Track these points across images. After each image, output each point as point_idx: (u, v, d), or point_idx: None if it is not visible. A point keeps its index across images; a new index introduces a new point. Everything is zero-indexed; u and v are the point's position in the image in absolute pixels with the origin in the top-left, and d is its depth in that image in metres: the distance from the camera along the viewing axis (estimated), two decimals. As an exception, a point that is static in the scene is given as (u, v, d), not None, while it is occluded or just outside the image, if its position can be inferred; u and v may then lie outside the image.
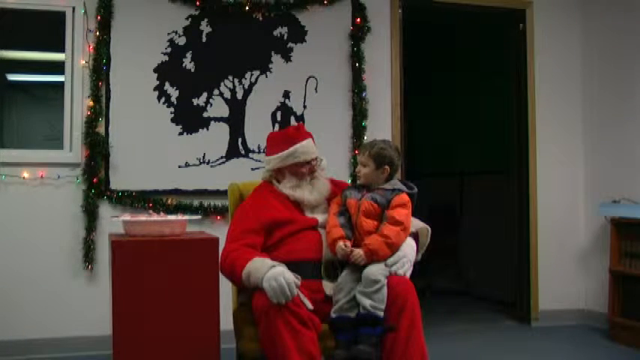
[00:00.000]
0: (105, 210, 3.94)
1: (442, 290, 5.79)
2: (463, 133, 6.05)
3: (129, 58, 4.02)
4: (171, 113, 4.09)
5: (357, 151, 4.14)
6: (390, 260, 2.42)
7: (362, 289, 2.37)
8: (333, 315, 2.40)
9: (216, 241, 2.34)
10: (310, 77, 4.30)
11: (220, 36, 4.18)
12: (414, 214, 2.57)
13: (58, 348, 3.85)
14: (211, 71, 4.16)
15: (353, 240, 2.49)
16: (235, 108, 4.20)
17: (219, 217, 4.07)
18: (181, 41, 4.12)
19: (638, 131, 4.40)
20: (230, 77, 4.19)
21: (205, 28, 4.16)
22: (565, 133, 4.85)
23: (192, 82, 4.12)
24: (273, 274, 2.25)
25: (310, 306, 2.30)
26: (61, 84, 4.02)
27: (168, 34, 4.10)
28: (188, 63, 4.13)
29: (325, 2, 4.31)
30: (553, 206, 4.77)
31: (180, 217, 2.60)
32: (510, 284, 4.99)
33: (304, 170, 2.65)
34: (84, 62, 3.98)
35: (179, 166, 4.08)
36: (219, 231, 2.73)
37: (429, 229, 2.63)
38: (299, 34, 4.30)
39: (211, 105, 4.16)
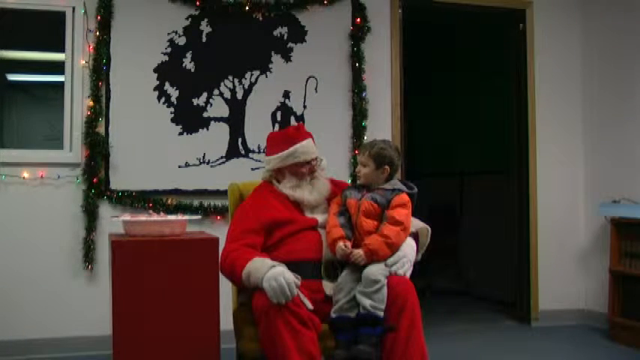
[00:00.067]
0: (105, 210, 3.94)
1: (442, 290, 5.79)
2: (463, 133, 6.05)
3: (129, 58, 4.02)
4: (171, 113, 4.09)
5: (357, 151, 4.14)
6: (390, 260, 2.42)
7: (362, 289, 2.37)
8: (333, 315, 2.40)
9: (216, 241, 2.34)
10: (310, 77, 4.30)
11: (220, 36, 4.18)
12: (414, 214, 2.57)
13: (58, 348, 3.85)
14: (211, 71, 4.16)
15: (353, 240, 2.49)
16: (235, 108, 4.20)
17: (219, 217, 4.07)
18: (181, 41, 4.12)
19: (638, 131, 4.40)
20: (230, 77, 4.19)
21: (205, 28, 4.16)
22: (565, 133, 4.85)
23: (192, 82, 4.12)
24: (273, 274, 2.25)
25: (310, 306, 2.30)
26: (61, 84, 4.02)
27: (168, 34, 4.10)
28: (188, 63, 4.13)
29: (325, 2, 4.31)
30: (553, 206, 4.77)
31: (180, 217, 2.60)
32: (510, 284, 4.99)
33: (304, 170, 2.65)
34: (84, 62, 3.98)
35: (179, 166, 4.08)
36: (219, 231, 2.73)
37: (429, 229, 2.63)
38: (299, 34, 4.30)
39: (211, 105, 4.16)
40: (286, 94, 4.26)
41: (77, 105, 3.98)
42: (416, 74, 5.00)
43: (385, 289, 2.35)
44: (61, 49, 4.01)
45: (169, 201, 4.02)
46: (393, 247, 2.43)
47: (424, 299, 3.17)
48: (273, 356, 2.26)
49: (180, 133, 4.10)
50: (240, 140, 4.19)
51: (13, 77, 4.74)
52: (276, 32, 4.26)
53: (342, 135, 4.32)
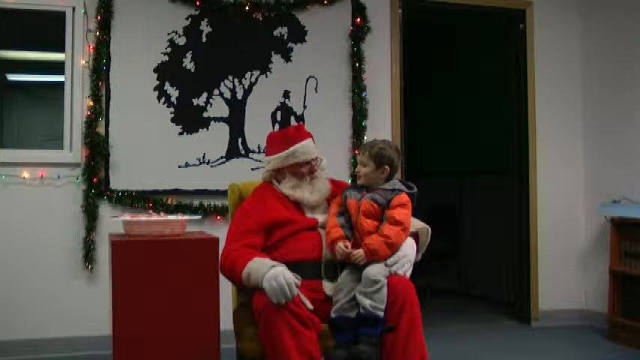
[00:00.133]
0: (105, 210, 3.94)
1: (442, 290, 5.79)
2: (463, 133, 6.05)
3: (129, 58, 4.02)
4: (171, 113, 4.09)
5: (357, 151, 4.14)
6: (390, 260, 2.42)
7: (362, 289, 2.37)
8: (333, 315, 2.40)
9: (216, 241, 2.34)
10: (310, 77, 4.30)
11: (220, 36, 4.18)
12: (414, 214, 2.57)
13: (57, 348, 3.85)
14: (211, 71, 4.16)
15: (352, 240, 2.49)
16: (235, 108, 4.20)
17: (219, 217, 4.07)
18: (181, 41, 4.12)
19: (637, 131, 4.40)
20: (230, 77, 4.19)
21: (205, 28, 4.16)
22: (565, 133, 4.85)
23: (192, 82, 4.12)
24: (273, 274, 2.25)
25: (310, 306, 2.30)
26: (61, 84, 4.02)
27: (168, 34, 4.10)
28: (188, 63, 4.13)
29: (325, 2, 4.31)
30: (553, 206, 4.77)
31: (180, 217, 2.60)
32: (510, 284, 4.99)
33: (304, 170, 2.65)
34: (84, 62, 3.99)
35: (179, 166, 4.08)
36: (219, 231, 2.73)
37: (429, 229, 2.63)
38: (299, 34, 4.30)
39: (211, 105, 4.16)
40: (286, 94, 4.26)
41: (77, 105, 3.99)
42: (416, 74, 5.00)
43: (385, 289, 2.35)
44: (61, 49, 4.01)
45: (169, 201, 4.02)
46: (393, 247, 2.43)
47: (424, 299, 3.16)
48: (273, 356, 2.26)
49: (180, 133, 4.10)
50: (240, 140, 4.19)
51: (13, 77, 4.73)
52: (276, 32, 4.27)
53: (342, 135, 4.32)
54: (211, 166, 4.13)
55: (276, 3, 4.24)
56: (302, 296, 2.29)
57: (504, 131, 5.07)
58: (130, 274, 2.23)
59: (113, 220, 2.89)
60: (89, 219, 3.91)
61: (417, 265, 2.54)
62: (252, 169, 4.14)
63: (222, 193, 3.40)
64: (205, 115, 4.14)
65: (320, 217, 2.63)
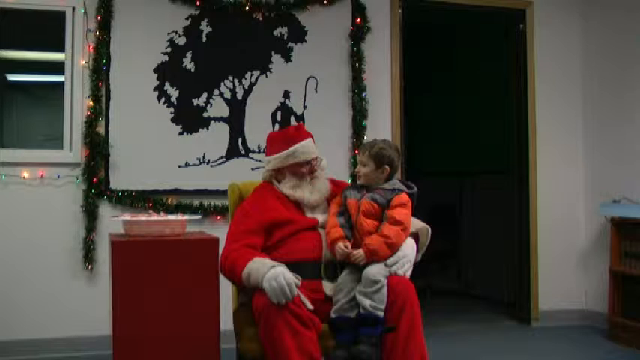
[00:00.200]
0: (105, 210, 3.94)
1: (442, 290, 5.79)
2: (463, 133, 6.05)
3: (129, 58, 4.02)
4: (171, 113, 4.09)
5: (357, 151, 4.14)
6: (390, 260, 2.42)
7: (362, 289, 2.37)
8: (333, 315, 2.40)
9: (216, 241, 2.34)
10: (310, 77, 4.30)
11: (220, 36, 4.18)
12: (414, 214, 2.57)
13: (58, 348, 3.85)
14: (211, 71, 4.16)
15: (352, 240, 2.49)
16: (235, 108, 4.20)
17: (219, 217, 4.07)
18: (181, 41, 4.12)
19: (637, 131, 4.40)
20: (230, 77, 4.19)
21: (205, 28, 4.16)
22: (565, 133, 4.85)
23: (192, 82, 4.12)
24: (273, 274, 2.25)
25: (310, 306, 2.30)
26: (61, 84, 4.02)
27: (168, 34, 4.10)
28: (188, 63, 4.13)
29: (325, 2, 4.31)
30: (553, 206, 4.77)
31: (180, 217, 2.60)
32: (510, 284, 4.99)
33: (304, 170, 2.65)
34: (84, 62, 3.99)
35: (179, 166, 4.08)
36: (219, 231, 2.73)
37: (429, 229, 2.63)
38: (299, 34, 4.30)
39: (211, 105, 4.16)
40: (286, 94, 4.26)
41: (77, 105, 3.99)
42: (416, 74, 5.00)
43: (385, 289, 2.35)
44: (61, 49, 4.01)
45: (169, 201, 4.02)
46: (393, 247, 2.43)
47: (424, 299, 3.16)
48: (273, 356, 2.26)
49: (180, 133, 4.10)
50: (240, 140, 4.19)
51: (13, 77, 4.73)
52: (276, 32, 4.27)
53: (342, 135, 4.32)
54: (211, 166, 4.13)
55: (276, 3, 4.24)
56: (302, 296, 2.29)
57: (504, 131, 5.07)
58: (130, 274, 2.23)
59: (113, 220, 2.89)
60: (89, 219, 3.91)
61: (417, 265, 2.54)
62: (252, 169, 4.14)
63: (222, 193, 3.40)
64: (205, 115, 4.14)
65: (320, 217, 2.63)
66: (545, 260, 4.74)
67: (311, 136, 2.71)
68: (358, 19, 4.36)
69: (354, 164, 4.12)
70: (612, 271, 4.29)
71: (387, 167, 2.56)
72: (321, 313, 2.37)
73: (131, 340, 2.21)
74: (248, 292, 2.44)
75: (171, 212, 3.91)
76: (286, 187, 2.65)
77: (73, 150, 3.98)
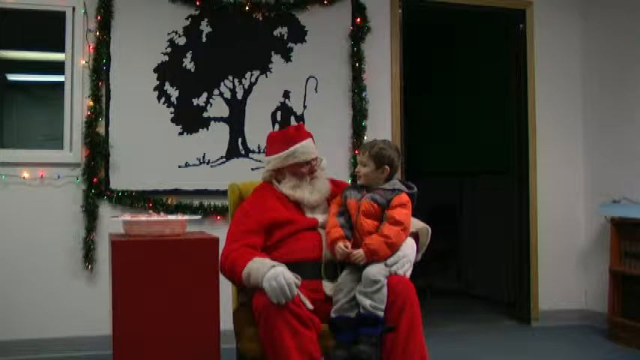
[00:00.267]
0: (105, 210, 3.94)
1: (442, 290, 5.79)
2: (463, 133, 6.05)
3: (129, 58, 4.02)
4: (171, 113, 4.09)
5: (357, 151, 4.14)
6: (390, 260, 2.42)
7: (362, 289, 2.37)
8: (333, 315, 2.40)
9: (216, 241, 2.34)
10: (310, 77, 4.30)
11: (220, 36, 4.18)
12: (414, 214, 2.57)
13: (58, 348, 3.85)
14: (211, 71, 4.16)
15: (352, 240, 2.49)
16: (235, 108, 4.20)
17: (219, 217, 4.07)
18: (181, 41, 4.12)
19: (637, 131, 4.40)
20: (230, 77, 4.19)
21: (205, 28, 4.16)
22: (565, 133, 4.85)
23: (192, 82, 4.12)
24: (273, 274, 2.25)
25: (310, 306, 2.30)
26: (61, 84, 4.02)
27: (168, 34, 4.10)
28: (188, 63, 4.13)
29: (325, 2, 4.31)
30: (553, 206, 4.77)
31: (180, 217, 2.60)
32: (510, 284, 4.99)
33: (304, 170, 2.65)
34: (84, 62, 3.99)
35: (179, 166, 4.08)
36: (219, 231, 2.73)
37: (429, 229, 2.63)
38: (299, 34, 4.30)
39: (211, 105, 4.16)
40: (286, 94, 4.26)
41: (77, 105, 3.99)
42: (416, 74, 5.00)
43: (385, 289, 2.35)
44: (61, 49, 4.01)
45: (169, 201, 4.02)
46: (393, 247, 2.43)
47: (424, 299, 3.16)
48: (273, 356, 2.26)
49: (180, 133, 4.10)
50: (240, 140, 4.19)
51: (13, 77, 4.73)
52: (276, 32, 4.26)
53: (342, 135, 4.32)
54: (211, 166, 4.13)
55: (276, 3, 4.24)
56: (302, 296, 2.29)
57: (504, 131, 5.07)
58: (130, 274, 2.23)
59: (113, 220, 2.89)
60: (89, 219, 3.91)
61: (417, 265, 2.54)
62: (252, 169, 4.14)
63: (222, 193, 3.40)
64: (205, 115, 4.14)
65: (320, 217, 2.63)
66: (545, 260, 4.74)
67: (311, 136, 2.71)
68: (358, 19, 4.36)
69: (354, 164, 4.12)
70: (612, 271, 4.29)
71: (387, 167, 2.56)
72: (321, 313, 2.37)
73: (131, 340, 2.21)
74: (248, 292, 2.44)
75: (171, 212, 3.91)
76: (286, 187, 2.65)
77: (73, 150, 3.98)
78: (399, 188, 2.55)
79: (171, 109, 4.09)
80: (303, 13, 4.30)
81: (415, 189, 2.60)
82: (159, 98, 4.08)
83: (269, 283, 2.23)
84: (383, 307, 2.34)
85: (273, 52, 4.25)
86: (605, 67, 4.68)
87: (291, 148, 2.63)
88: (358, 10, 4.37)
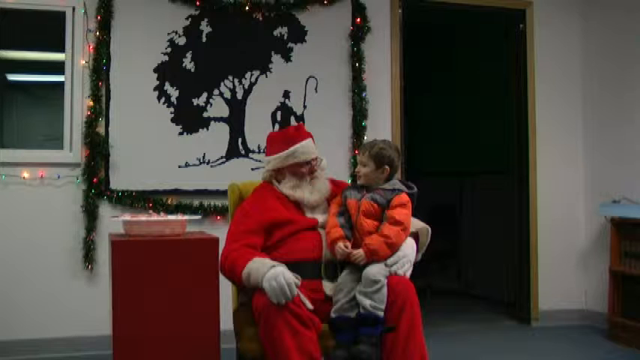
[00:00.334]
0: (105, 210, 3.94)
1: (442, 290, 5.79)
2: (463, 133, 6.05)
3: (129, 58, 4.02)
4: (171, 113, 4.09)
5: (357, 151, 4.14)
6: (390, 260, 2.42)
7: (362, 289, 2.37)
8: (333, 315, 2.40)
9: (216, 241, 2.34)
10: (310, 77, 4.30)
11: (220, 36, 4.18)
12: (414, 214, 2.57)
13: (58, 348, 3.85)
14: (211, 71, 4.16)
15: (352, 240, 2.49)
16: (235, 108, 4.20)
17: (219, 217, 4.07)
18: (181, 41, 4.12)
19: (637, 131, 4.40)
20: (230, 77, 4.19)
21: (205, 28, 4.16)
22: (565, 133, 4.85)
23: (192, 82, 4.12)
24: (273, 274, 2.25)
25: (310, 306, 2.30)
26: (61, 84, 4.02)
27: (168, 34, 4.10)
28: (188, 63, 4.13)
29: (325, 2, 4.31)
30: (553, 206, 4.77)
31: (180, 217, 2.60)
32: (510, 284, 4.99)
33: (304, 170, 2.65)
34: (84, 62, 3.99)
35: (179, 166, 4.08)
36: (219, 231, 2.73)
37: (429, 229, 2.63)
38: (299, 34, 4.30)
39: (211, 105, 4.16)
40: (286, 94, 4.26)
41: (77, 105, 3.99)
42: (416, 74, 5.00)
43: (385, 289, 2.35)
44: (61, 49, 4.01)
45: (169, 201, 4.02)
46: (393, 247, 2.43)
47: (424, 299, 3.16)
48: (273, 356, 2.26)
49: (180, 133, 4.10)
50: (240, 140, 4.19)
51: (13, 77, 4.73)
52: (276, 32, 4.26)
53: (342, 135, 4.32)
54: (211, 166, 4.13)
55: (276, 3, 4.24)
56: (302, 296, 2.29)
57: (504, 131, 5.07)
58: (130, 274, 2.23)
59: (113, 220, 2.89)
60: (89, 219, 3.91)
61: (417, 265, 2.54)
62: (252, 169, 4.14)
63: (222, 193, 3.40)
64: (205, 115, 4.14)
65: (320, 217, 2.63)
66: (545, 260, 4.74)
67: (311, 136, 2.71)
68: (358, 19, 4.36)
69: (354, 164, 4.12)
70: (612, 271, 4.29)
71: (387, 167, 2.56)
72: (321, 313, 2.37)
73: (131, 340, 2.21)
74: (248, 292, 2.44)
75: (171, 212, 3.91)
76: (286, 187, 2.65)
77: (73, 150, 3.98)
78: (399, 188, 2.55)
79: (171, 109, 4.09)
80: (303, 13, 4.30)
81: (415, 189, 2.60)
82: (159, 98, 4.08)
83: (269, 283, 2.23)
84: (383, 307, 2.34)
85: (273, 52, 4.25)
86: (605, 67, 4.68)
87: (291, 148, 2.63)
88: (358, 10, 4.37)
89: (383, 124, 4.42)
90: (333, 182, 2.76)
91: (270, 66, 4.25)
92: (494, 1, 4.76)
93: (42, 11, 4.01)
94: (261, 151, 4.13)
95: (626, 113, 4.49)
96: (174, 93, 4.09)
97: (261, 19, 4.23)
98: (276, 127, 4.21)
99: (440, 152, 6.32)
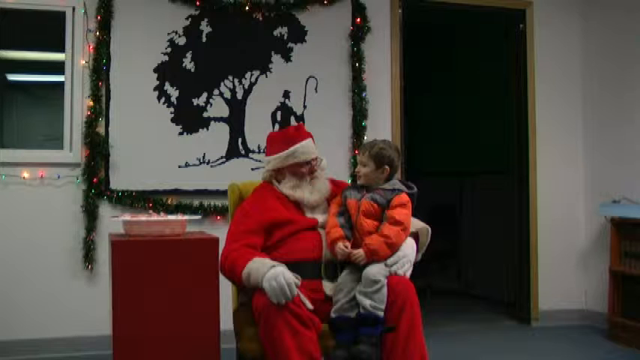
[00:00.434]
0: (105, 210, 3.94)
1: (442, 290, 5.79)
2: (463, 133, 6.05)
3: (129, 58, 4.02)
4: (171, 113, 4.09)
5: (357, 151, 4.14)
6: (390, 260, 2.42)
7: (362, 289, 2.37)
8: (333, 315, 2.40)
9: (216, 241, 2.34)
10: (310, 77, 4.30)
11: (220, 36, 4.18)
12: (414, 214, 2.57)
13: (58, 348, 3.85)
14: (211, 71, 4.16)
15: (352, 240, 2.49)
16: (235, 108, 4.20)
17: (219, 217, 4.07)
18: (181, 41, 4.12)
19: (637, 131, 4.40)
20: (230, 77, 4.19)
21: (205, 28, 4.16)
22: (565, 133, 4.85)
23: (192, 82, 4.12)
24: (273, 274, 2.25)
25: (310, 306, 2.30)
26: (61, 84, 4.02)
27: (168, 34, 4.10)
28: (188, 63, 4.13)
29: (325, 2, 4.31)
30: (553, 206, 4.77)
31: (180, 217, 2.60)
32: (510, 284, 4.99)
33: (304, 170, 2.65)
34: (84, 62, 3.99)
35: (179, 166, 4.08)
36: (219, 231, 2.73)
37: (429, 229, 2.63)
38: (299, 34, 4.30)
39: (211, 105, 4.16)
40: (286, 94, 4.26)
41: (77, 105, 3.99)
42: (416, 74, 5.00)
43: (385, 289, 2.35)
44: (61, 49, 4.01)
45: (169, 201, 4.02)
46: (393, 247, 2.43)
47: (424, 299, 3.17)
48: (273, 356, 2.26)
49: (180, 133, 4.10)
50: (240, 140, 4.19)
51: (13, 77, 4.73)
52: (276, 32, 4.26)
53: (342, 135, 4.32)
54: (211, 166, 4.13)
55: (276, 3, 4.24)
56: (302, 296, 2.29)
57: (504, 131, 5.07)
58: (130, 274, 2.23)
59: (113, 220, 2.89)
60: (89, 219, 3.91)
61: (417, 265, 2.54)
62: (252, 169, 4.14)
63: (222, 193, 3.40)
64: (205, 115, 4.14)
65: (320, 217, 2.63)
66: (545, 260, 4.74)
67: (311, 136, 2.71)
68: (358, 19, 4.36)
69: (354, 164, 4.12)
70: (612, 271, 4.29)
71: (387, 167, 2.56)
72: (321, 313, 2.37)
73: (131, 340, 2.21)
74: (248, 292, 2.44)
75: (171, 212, 3.91)
76: (286, 187, 2.65)
77: (73, 150, 3.98)
78: (399, 188, 2.55)
79: (171, 109, 4.09)
80: (303, 13, 4.30)
81: (415, 189, 2.60)
82: (159, 98, 4.08)
83: (269, 283, 2.23)
84: (383, 307, 2.34)
85: (273, 52, 4.25)
86: (605, 67, 4.68)
87: (291, 148, 2.63)
88: (358, 10, 4.37)
89: (383, 124, 4.42)
90: (333, 182, 2.76)
91: (270, 66, 4.25)
92: (494, 1, 4.76)
93: (42, 11, 4.01)
94: (261, 151, 4.13)
95: (626, 113, 4.49)
96: (174, 93, 4.09)
97: (261, 19, 4.24)
98: (276, 127, 4.21)
99: (440, 152, 6.32)
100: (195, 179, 4.08)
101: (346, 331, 2.36)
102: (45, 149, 4.08)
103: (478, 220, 5.88)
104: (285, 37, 4.28)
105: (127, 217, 2.55)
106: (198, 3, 4.12)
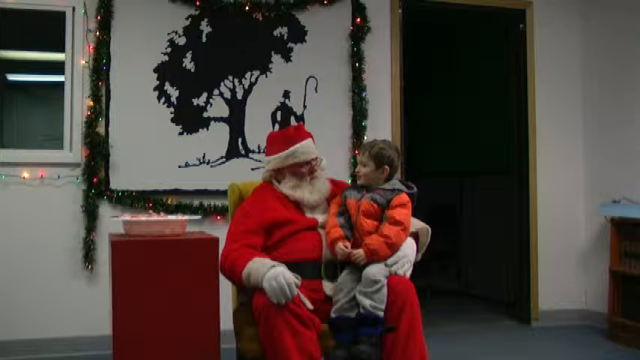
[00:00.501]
0: (105, 210, 3.94)
1: (442, 290, 5.79)
2: (463, 133, 6.05)
3: (129, 58, 4.02)
4: (171, 113, 4.09)
5: (357, 151, 4.14)
6: (390, 260, 2.42)
7: (362, 289, 2.37)
8: (333, 315, 2.40)
9: (216, 241, 2.34)
10: (310, 77, 4.30)
11: (220, 36, 4.18)
12: (414, 214, 2.57)
13: (58, 348, 3.85)
14: (211, 71, 4.16)
15: (352, 240, 2.49)
16: (235, 108, 4.20)
17: (219, 217, 4.07)
18: (181, 41, 4.12)
19: (637, 131, 4.40)
20: (230, 77, 4.19)
21: (205, 28, 4.16)
22: (565, 133, 4.85)
23: (192, 82, 4.12)
24: (273, 274, 2.25)
25: (310, 306, 2.30)
26: (61, 84, 4.02)
27: (168, 34, 4.10)
28: (188, 63, 4.13)
29: (325, 2, 4.31)
30: (553, 206, 4.77)
31: (180, 217, 2.60)
32: (510, 284, 4.99)
33: (304, 170, 2.65)
34: (84, 62, 3.99)
35: (179, 166, 4.08)
36: (219, 231, 2.73)
37: (429, 229, 2.63)
38: (299, 34, 4.30)
39: (211, 105, 4.16)
40: (286, 94, 4.26)
41: (77, 105, 3.99)
42: (416, 74, 5.00)
43: (385, 289, 2.35)
44: (61, 49, 4.01)
45: (169, 201, 4.02)
46: (393, 247, 2.43)
47: (424, 299, 3.17)
48: (273, 356, 2.26)
49: (180, 133, 4.10)
50: (240, 140, 4.19)
51: (13, 77, 4.74)
52: (276, 32, 4.26)
53: (342, 135, 4.32)
54: (211, 166, 4.13)
55: (276, 3, 4.24)
56: (302, 296, 2.29)
57: (504, 131, 5.07)
58: (130, 274, 2.23)
59: (113, 220, 2.89)
60: (89, 219, 3.91)
61: (417, 265, 2.54)
62: (252, 169, 4.14)
63: (222, 193, 3.40)
64: (205, 115, 4.14)
65: (320, 217, 2.63)
66: (545, 260, 4.74)
67: (311, 136, 2.71)
68: (358, 19, 4.36)
69: (354, 164, 4.12)
70: (612, 271, 4.29)
71: (387, 167, 2.56)
72: (321, 313, 2.37)
73: (131, 340, 2.21)
74: (248, 292, 2.44)
75: (171, 212, 3.91)
76: (286, 187, 2.65)
77: (73, 150, 3.98)
78: (398, 188, 2.55)
79: (171, 109, 4.09)
80: (303, 13, 4.30)
81: (415, 189, 2.60)
82: (159, 98, 4.08)
83: (269, 283, 2.23)
84: (383, 307, 2.34)
85: (273, 52, 4.25)
86: (605, 67, 4.68)
87: (291, 148, 2.63)
88: (358, 10, 4.37)
89: (383, 124, 4.42)
90: (333, 182, 2.76)
91: (270, 66, 4.25)
92: (494, 1, 4.76)
93: (42, 11, 4.01)
94: (261, 151, 4.13)
95: (626, 113, 4.49)
96: (174, 93, 4.09)
97: (261, 19, 4.24)
98: (276, 127, 4.21)
99: (440, 152, 6.32)
100: (195, 179, 4.08)
101: (346, 331, 2.36)
102: (45, 149, 4.08)
103: (478, 220, 5.88)
104: (285, 37, 4.28)
105: (127, 217, 2.55)
106: (198, 3, 4.12)
